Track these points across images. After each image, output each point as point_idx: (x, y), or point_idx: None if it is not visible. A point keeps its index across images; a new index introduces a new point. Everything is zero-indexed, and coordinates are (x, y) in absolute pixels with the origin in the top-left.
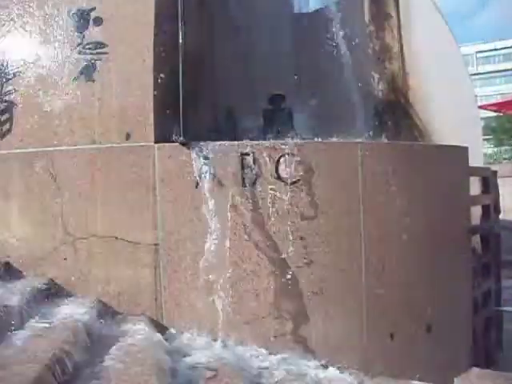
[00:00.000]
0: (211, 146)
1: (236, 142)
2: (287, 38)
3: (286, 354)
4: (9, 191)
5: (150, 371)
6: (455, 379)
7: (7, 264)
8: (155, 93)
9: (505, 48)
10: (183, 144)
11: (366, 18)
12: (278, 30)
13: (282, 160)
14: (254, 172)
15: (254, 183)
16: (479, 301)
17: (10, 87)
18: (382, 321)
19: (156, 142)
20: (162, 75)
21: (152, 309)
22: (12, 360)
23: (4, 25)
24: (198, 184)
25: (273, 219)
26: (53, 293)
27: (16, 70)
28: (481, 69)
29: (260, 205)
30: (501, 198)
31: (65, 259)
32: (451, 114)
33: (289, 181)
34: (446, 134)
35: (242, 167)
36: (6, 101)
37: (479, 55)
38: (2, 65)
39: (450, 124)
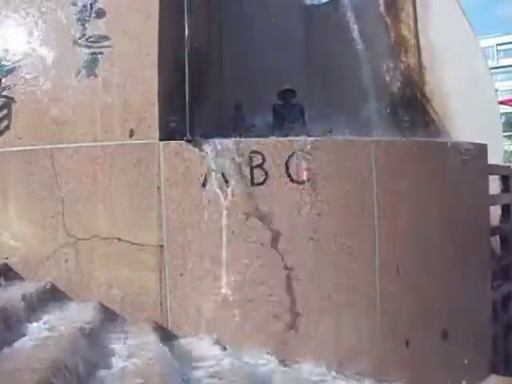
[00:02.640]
0: (219, 144)
1: (245, 140)
2: (298, 31)
3: (296, 360)
4: (7, 191)
5: None
6: None
7: (6, 266)
8: (160, 88)
9: None
10: (189, 141)
11: (381, 9)
12: (289, 22)
13: (292, 158)
14: (263, 170)
15: (263, 182)
16: (499, 304)
17: (8, 82)
18: (396, 326)
19: (161, 140)
20: (167, 69)
21: (157, 314)
22: (11, 367)
23: (2, 18)
24: (204, 183)
25: (283, 219)
26: (53, 297)
27: (15, 65)
28: (502, 62)
29: (269, 204)
30: None
31: (66, 261)
32: (470, 109)
33: (299, 180)
34: (464, 130)
35: (251, 165)
36: (4, 96)
37: (500, 48)
38: (0, 59)
39: (468, 120)
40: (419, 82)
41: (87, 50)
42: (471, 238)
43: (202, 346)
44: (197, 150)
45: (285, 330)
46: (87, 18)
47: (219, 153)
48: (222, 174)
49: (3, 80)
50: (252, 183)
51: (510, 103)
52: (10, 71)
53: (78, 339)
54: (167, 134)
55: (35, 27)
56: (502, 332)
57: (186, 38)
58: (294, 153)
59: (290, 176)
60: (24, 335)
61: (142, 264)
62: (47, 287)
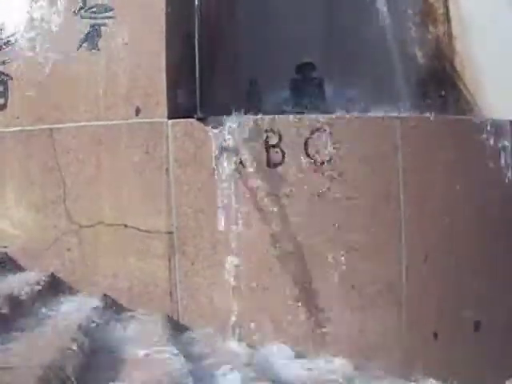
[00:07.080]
0: (232, 122)
1: (260, 117)
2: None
3: (315, 354)
4: (5, 174)
5: None
6: (507, 382)
7: (4, 255)
8: (168, 63)
9: None
10: (200, 120)
11: None
12: None
13: (312, 137)
14: (280, 150)
15: (280, 163)
16: None
17: (4, 57)
18: (423, 317)
19: (170, 118)
20: (175, 43)
21: (166, 305)
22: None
23: None
24: (217, 164)
25: (302, 203)
26: (54, 288)
27: (10, 38)
28: None
29: (287, 187)
30: None
31: (68, 250)
32: (504, 84)
33: (320, 160)
34: (498, 107)
35: (267, 145)
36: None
37: None
38: None
39: (502, 96)
40: (449, 54)
41: (89, 22)
42: (505, 223)
43: (215, 339)
44: (208, 129)
45: (304, 323)
46: None
47: (232, 132)
48: (236, 155)
49: None
50: (268, 164)
51: None
52: (6, 45)
53: (76, 340)
54: (176, 112)
55: None
56: None
57: (197, 7)
58: (313, 131)
59: (309, 156)
60: (19, 330)
61: (151, 252)
62: (48, 278)
